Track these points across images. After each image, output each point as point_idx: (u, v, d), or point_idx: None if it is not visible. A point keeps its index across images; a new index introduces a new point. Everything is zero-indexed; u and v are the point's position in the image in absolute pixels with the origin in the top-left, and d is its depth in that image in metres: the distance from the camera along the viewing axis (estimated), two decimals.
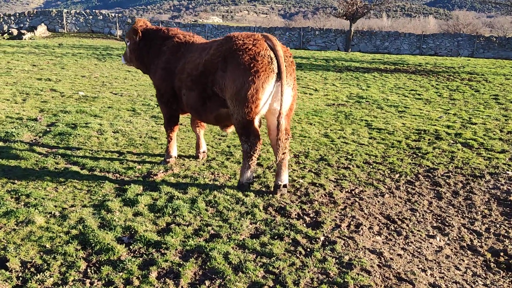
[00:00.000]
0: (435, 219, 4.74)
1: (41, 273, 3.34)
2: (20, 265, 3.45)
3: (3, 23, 32.70)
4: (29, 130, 7.20)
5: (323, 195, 5.15)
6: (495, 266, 3.93)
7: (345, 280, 3.44)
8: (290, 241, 4.02)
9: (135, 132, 7.34)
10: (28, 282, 3.23)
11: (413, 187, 5.59)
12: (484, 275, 3.73)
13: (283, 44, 4.89)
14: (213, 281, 3.34)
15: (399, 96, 12.37)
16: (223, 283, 3.31)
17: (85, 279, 3.30)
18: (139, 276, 3.34)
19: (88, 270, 3.41)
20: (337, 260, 3.72)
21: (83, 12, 33.56)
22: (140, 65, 6.08)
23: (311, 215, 4.59)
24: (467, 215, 4.89)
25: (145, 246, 3.78)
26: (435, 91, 13.36)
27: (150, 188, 5.06)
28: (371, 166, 6.23)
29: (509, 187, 5.65)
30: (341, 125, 8.60)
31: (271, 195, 5.01)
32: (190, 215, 4.42)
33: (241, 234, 4.08)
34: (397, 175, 5.95)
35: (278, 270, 3.51)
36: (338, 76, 16.49)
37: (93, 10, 33.79)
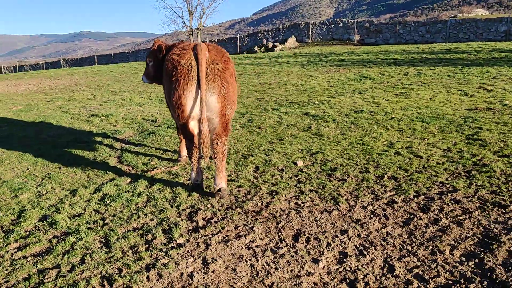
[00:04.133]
0: (355, 245, 3.93)
1: None
2: None
3: (263, 38, 37.98)
4: (137, 129, 8.89)
5: (259, 203, 4.85)
6: None
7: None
8: (150, 238, 4.14)
9: None
10: None
11: (387, 208, 4.62)
12: None
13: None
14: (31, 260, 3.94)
15: None
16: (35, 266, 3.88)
17: None
18: (4, 244, 4.22)
19: None
20: (141, 264, 3.72)
21: (326, 22, 35.71)
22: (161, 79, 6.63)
23: (213, 220, 4.48)
24: (409, 247, 3.85)
25: (46, 224, 4.61)
26: None
27: (132, 181, 5.79)
28: (376, 181, 5.32)
29: None
30: (438, 133, 7.26)
31: (211, 198, 5.07)
32: (117, 206, 4.96)
33: (123, 227, 4.43)
34: (391, 193, 4.96)
35: (74, 261, 3.81)
36: None
37: (335, 19, 35.58)
